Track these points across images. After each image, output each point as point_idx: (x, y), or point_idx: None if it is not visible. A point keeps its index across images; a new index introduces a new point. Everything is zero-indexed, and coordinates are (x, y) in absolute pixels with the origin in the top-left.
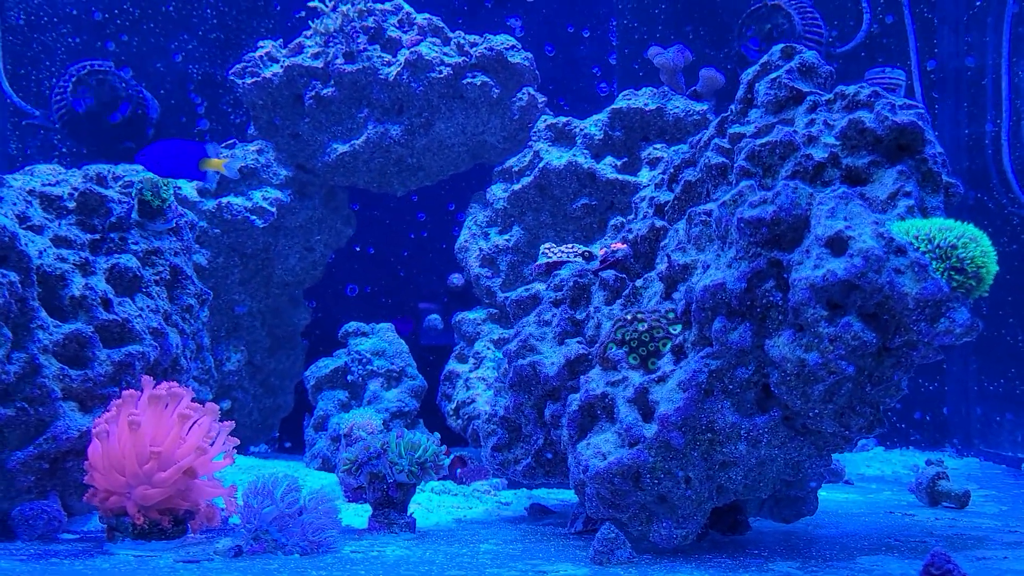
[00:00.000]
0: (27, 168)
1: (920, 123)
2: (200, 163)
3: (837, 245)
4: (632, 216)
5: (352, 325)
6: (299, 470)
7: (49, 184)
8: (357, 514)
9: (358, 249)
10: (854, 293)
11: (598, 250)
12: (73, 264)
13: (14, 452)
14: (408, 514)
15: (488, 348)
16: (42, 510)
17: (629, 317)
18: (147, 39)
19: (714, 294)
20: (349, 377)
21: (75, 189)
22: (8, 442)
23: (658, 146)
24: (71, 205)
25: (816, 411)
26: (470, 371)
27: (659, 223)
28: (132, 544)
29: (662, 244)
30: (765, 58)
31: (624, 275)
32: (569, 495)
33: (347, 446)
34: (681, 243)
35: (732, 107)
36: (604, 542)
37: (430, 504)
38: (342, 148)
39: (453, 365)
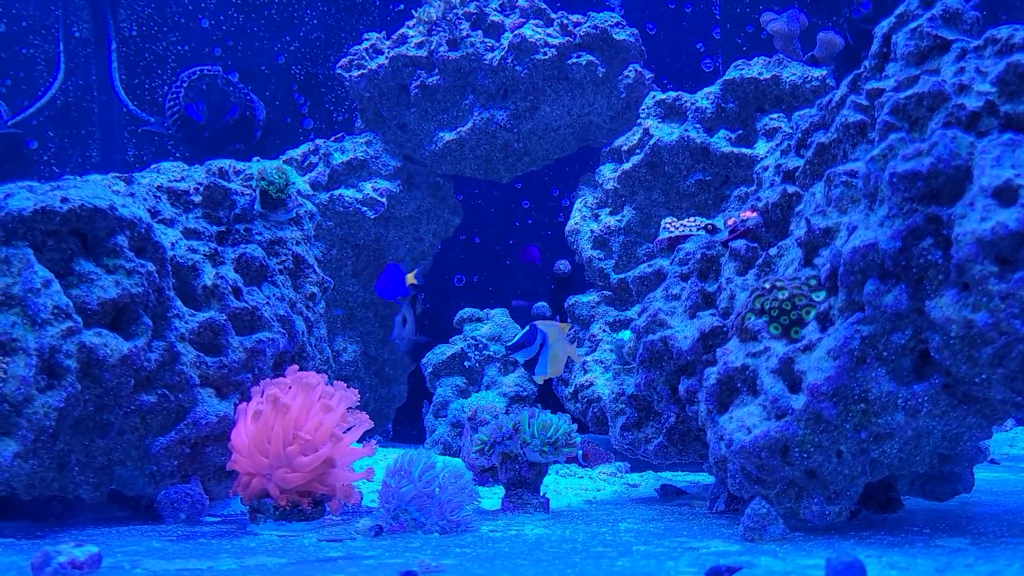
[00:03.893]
0: (152, 166)
1: None
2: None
3: (1006, 195)
4: (755, 187)
5: (467, 311)
6: None
7: (175, 180)
8: (486, 496)
9: (463, 238)
10: None
11: (722, 222)
12: (203, 255)
13: (157, 438)
14: (541, 494)
15: (603, 330)
16: (186, 493)
17: (767, 286)
18: (251, 43)
19: (864, 255)
20: (466, 363)
21: (200, 184)
22: (151, 428)
23: (774, 116)
24: (197, 199)
25: (984, 376)
26: (586, 354)
27: (791, 189)
28: (274, 525)
29: (796, 210)
30: (902, 8)
31: (756, 244)
32: (698, 476)
33: (472, 430)
34: (819, 207)
35: (865, 63)
36: (755, 518)
37: (558, 486)
38: (448, 136)
39: None
